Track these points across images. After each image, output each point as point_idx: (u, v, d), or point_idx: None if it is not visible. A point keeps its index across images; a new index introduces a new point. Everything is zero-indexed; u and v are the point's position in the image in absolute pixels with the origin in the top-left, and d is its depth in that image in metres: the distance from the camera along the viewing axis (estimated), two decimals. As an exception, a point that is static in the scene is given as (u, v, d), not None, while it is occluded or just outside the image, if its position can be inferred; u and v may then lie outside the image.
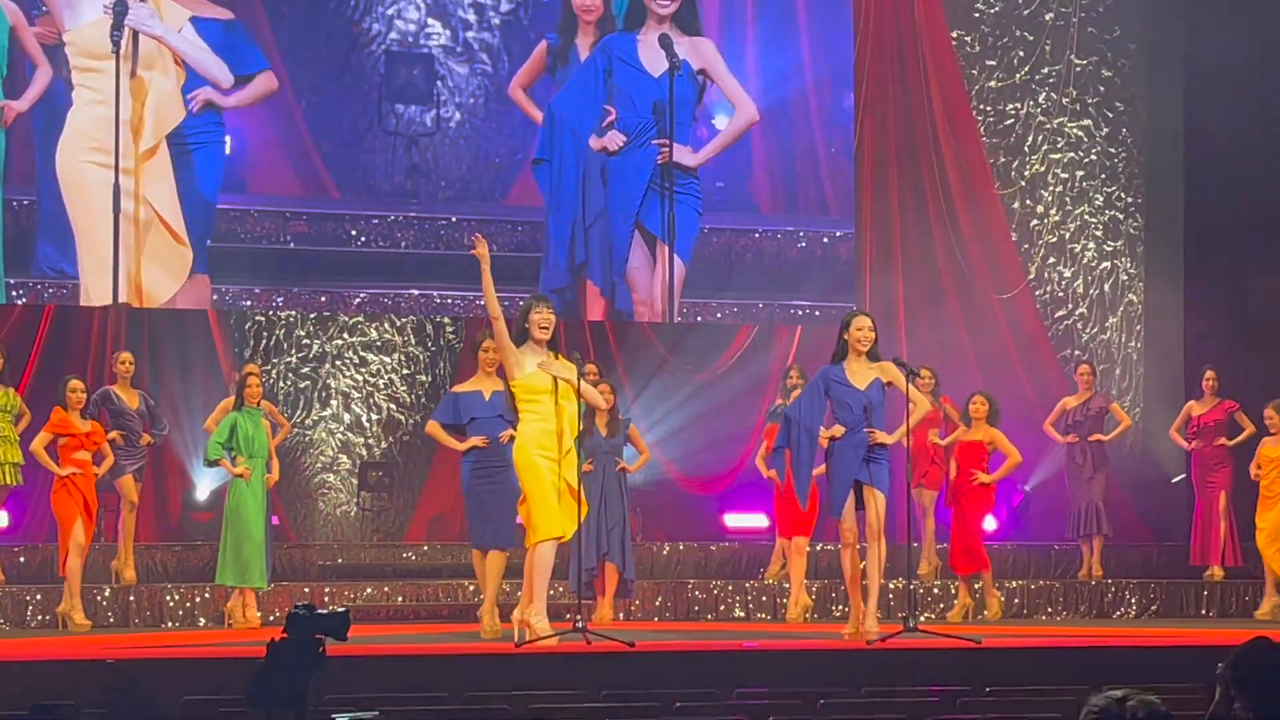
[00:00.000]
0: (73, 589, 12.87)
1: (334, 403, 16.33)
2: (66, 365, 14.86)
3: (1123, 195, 17.77)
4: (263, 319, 16.17)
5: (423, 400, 16.34)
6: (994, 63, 17.58)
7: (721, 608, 14.45)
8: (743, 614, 14.45)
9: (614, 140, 16.01)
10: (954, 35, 17.36)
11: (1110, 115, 17.76)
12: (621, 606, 13.74)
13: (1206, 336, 16.62)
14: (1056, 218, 17.67)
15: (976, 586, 14.09)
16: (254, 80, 15.44)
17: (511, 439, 11.26)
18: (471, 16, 15.97)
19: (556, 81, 16.07)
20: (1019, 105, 17.60)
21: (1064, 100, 17.61)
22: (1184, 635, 12.56)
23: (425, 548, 15.03)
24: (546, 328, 10.71)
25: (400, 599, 13.88)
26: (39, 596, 13.30)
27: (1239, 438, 14.97)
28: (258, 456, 13.00)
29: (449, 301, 15.96)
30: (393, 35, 15.80)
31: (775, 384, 15.58)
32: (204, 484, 15.44)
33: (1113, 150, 17.75)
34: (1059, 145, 17.64)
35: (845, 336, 11.11)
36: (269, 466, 13.14)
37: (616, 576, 13.31)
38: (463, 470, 12.04)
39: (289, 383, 16.25)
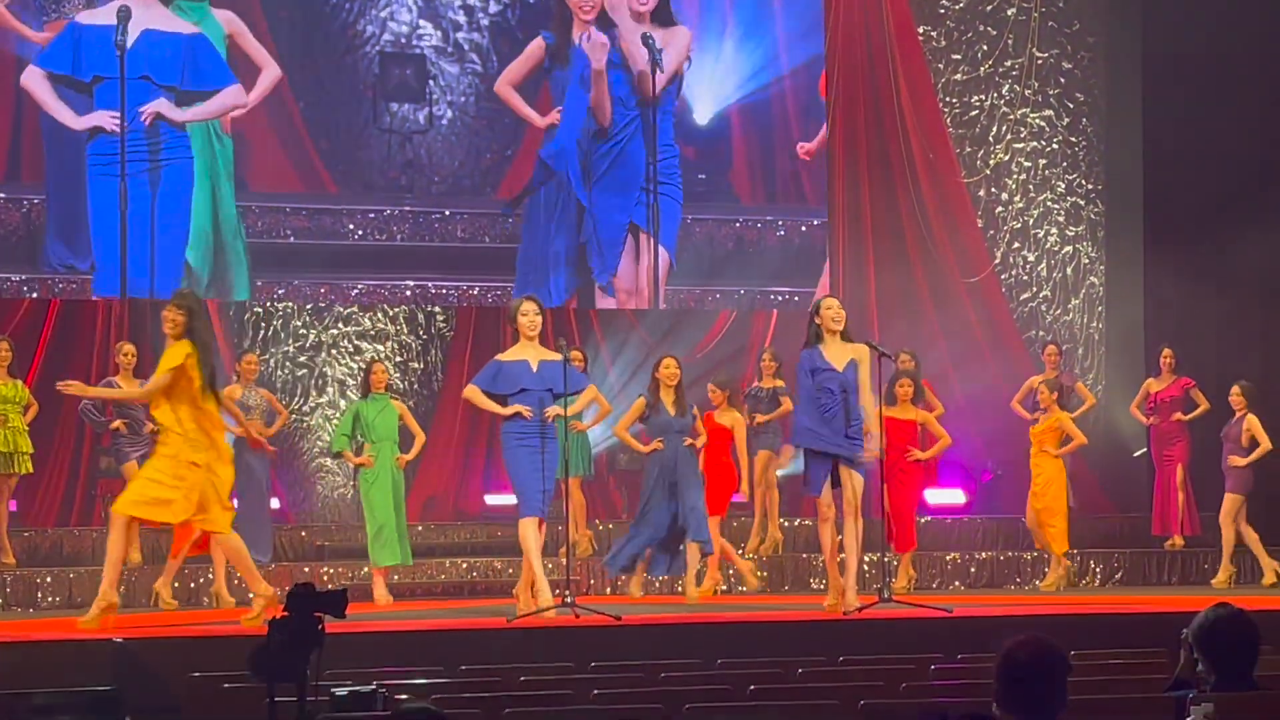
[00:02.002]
0: (170, 570, 13.10)
1: (330, 390, 16.47)
2: (72, 357, 15.10)
3: (1083, 182, 17.96)
4: (260, 310, 16.29)
5: (415, 386, 16.49)
6: (959, 57, 17.76)
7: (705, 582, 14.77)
8: (725, 588, 14.51)
9: (555, 117, 16.15)
10: (920, 31, 17.55)
11: (1070, 106, 17.94)
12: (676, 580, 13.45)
13: (1164, 317, 16.85)
14: (1020, 204, 17.88)
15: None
16: (215, 95, 15.48)
17: (558, 416, 11.28)
18: (461, 18, 16.13)
19: (552, 81, 16.17)
20: (983, 97, 17.80)
21: (1026, 92, 17.80)
22: (1147, 602, 12.71)
23: (420, 528, 14.98)
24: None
25: (395, 577, 13.82)
26: (49, 579, 13.43)
27: (1194, 413, 15.24)
28: (384, 440, 13.24)
29: (443, 291, 16.17)
30: (386, 37, 15.96)
31: (753, 367, 15.78)
32: None
33: (1073, 139, 17.94)
34: (1022, 135, 17.83)
35: (817, 320, 11.33)
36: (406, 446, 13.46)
37: (698, 553, 13.02)
38: (504, 440, 11.45)
39: (287, 371, 16.39)
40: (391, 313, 16.65)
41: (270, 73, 15.53)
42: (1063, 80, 17.97)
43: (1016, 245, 17.91)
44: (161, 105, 15.32)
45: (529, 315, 11.32)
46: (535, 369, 11.29)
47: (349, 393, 16.43)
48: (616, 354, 16.66)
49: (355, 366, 16.36)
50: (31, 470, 13.96)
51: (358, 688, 6.69)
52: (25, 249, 15.15)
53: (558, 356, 11.36)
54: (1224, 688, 5.75)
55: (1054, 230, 17.97)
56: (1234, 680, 5.75)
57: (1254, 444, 14.41)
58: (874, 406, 11.49)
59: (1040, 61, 17.90)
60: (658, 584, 14.38)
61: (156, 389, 10.66)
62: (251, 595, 11.03)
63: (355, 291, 16.11)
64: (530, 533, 11.34)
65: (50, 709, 7.50)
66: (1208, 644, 5.75)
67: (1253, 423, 14.40)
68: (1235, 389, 14.63)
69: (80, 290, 15.30)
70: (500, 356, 11.58)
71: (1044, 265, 17.93)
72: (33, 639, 10.72)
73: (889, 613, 11.14)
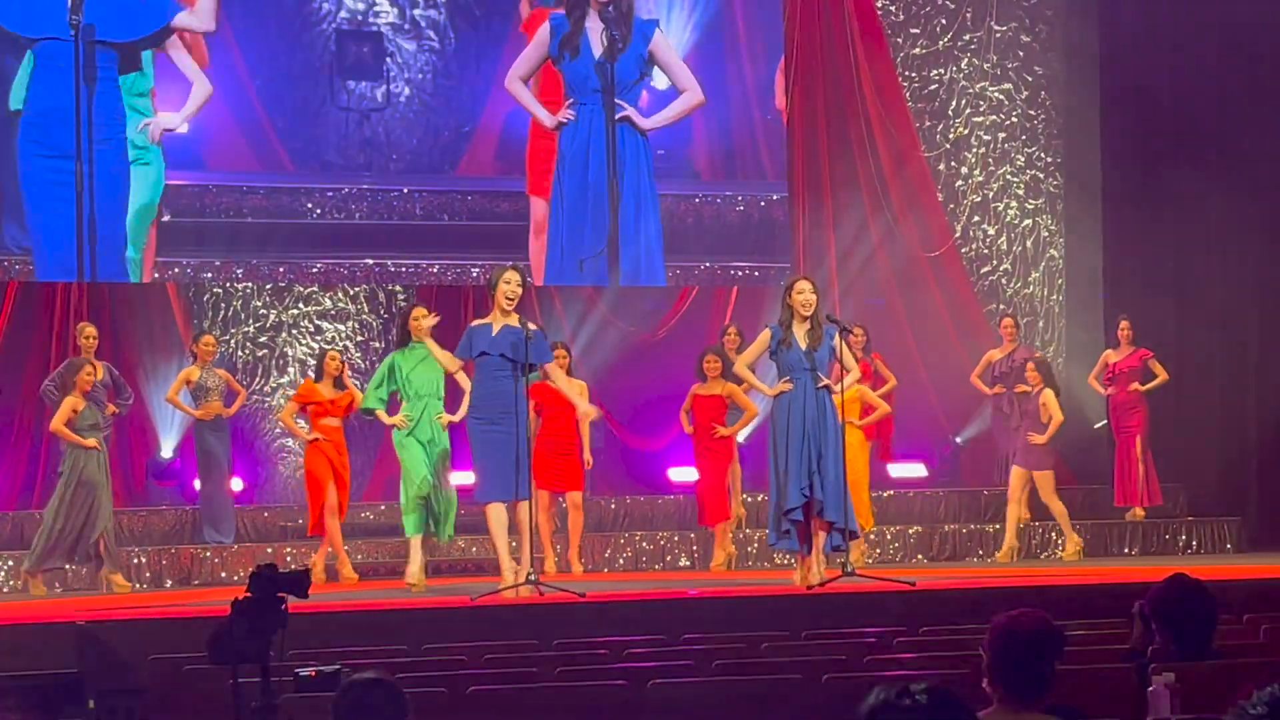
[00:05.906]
0: (337, 547, 13.15)
1: (291, 370, 16.43)
2: (32, 340, 15.06)
3: (1042, 155, 18.00)
4: (220, 290, 16.23)
5: (376, 365, 16.32)
6: (918, 30, 17.76)
7: (668, 558, 14.70)
8: (688, 563, 14.68)
9: (566, 114, 16.02)
10: (879, 4, 17.55)
11: (1029, 79, 17.97)
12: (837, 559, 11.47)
13: (1123, 288, 16.91)
14: (980, 178, 17.90)
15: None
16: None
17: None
18: (418, -6, 16.08)
19: (564, 73, 15.93)
20: (942, 71, 17.81)
21: (985, 65, 17.83)
22: (1109, 573, 12.80)
23: (383, 506, 14.96)
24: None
25: (359, 556, 13.84)
26: (10, 563, 13.42)
27: (1151, 384, 15.36)
28: (427, 396, 12.44)
29: (402, 270, 16.11)
30: (343, 14, 15.87)
31: (714, 342, 15.90)
32: (168, 443, 15.56)
33: (1032, 113, 17.97)
34: (981, 109, 17.86)
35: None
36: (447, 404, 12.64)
37: (826, 526, 11.21)
38: (470, 422, 11.20)
39: (247, 351, 16.34)
40: (352, 292, 16.63)
41: (201, 88, 15.28)
42: (1021, 54, 18.00)
43: (977, 219, 17.96)
44: (166, 120, 15.25)
45: (511, 284, 11.07)
46: (495, 333, 11.00)
47: (309, 372, 16.36)
48: (577, 329, 16.61)
49: (316, 346, 16.32)
50: (-10, 454, 13.96)
51: (321, 668, 6.71)
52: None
53: (521, 325, 11.02)
54: (1184, 657, 5.79)
55: (1014, 204, 18.04)
56: (1194, 650, 5.79)
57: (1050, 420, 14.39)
58: (842, 382, 11.59)
59: (999, 35, 17.92)
60: (617, 560, 14.42)
61: None
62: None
63: (314, 270, 16.04)
64: (497, 516, 11.12)
65: (13, 692, 7.48)
66: (1166, 616, 5.82)
67: (1048, 397, 14.41)
68: (1029, 365, 14.71)
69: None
70: (476, 323, 11.33)
71: (1004, 239, 18.00)
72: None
73: (852, 586, 11.14)
